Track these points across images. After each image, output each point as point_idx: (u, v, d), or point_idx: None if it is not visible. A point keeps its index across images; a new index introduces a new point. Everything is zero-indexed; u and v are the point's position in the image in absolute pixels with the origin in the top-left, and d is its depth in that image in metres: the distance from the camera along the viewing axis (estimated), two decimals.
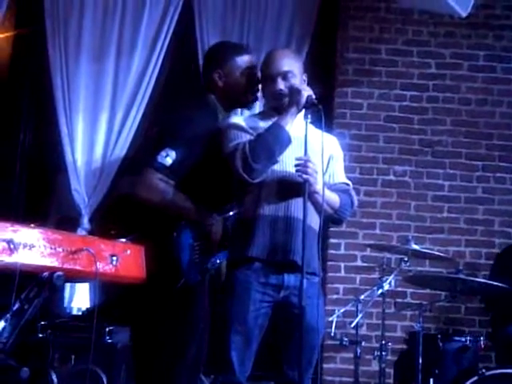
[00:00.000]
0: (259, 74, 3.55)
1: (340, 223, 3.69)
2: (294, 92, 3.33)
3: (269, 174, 3.32)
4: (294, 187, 3.31)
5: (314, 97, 3.30)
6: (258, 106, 3.92)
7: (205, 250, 3.51)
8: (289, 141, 3.28)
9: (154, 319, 3.62)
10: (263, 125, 3.38)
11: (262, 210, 3.29)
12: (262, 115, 3.53)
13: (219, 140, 3.40)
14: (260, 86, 3.54)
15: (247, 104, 3.69)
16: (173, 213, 3.53)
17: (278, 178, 3.34)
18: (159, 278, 3.47)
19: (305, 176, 3.21)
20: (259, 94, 3.60)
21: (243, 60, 3.62)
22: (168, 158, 3.51)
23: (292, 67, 3.44)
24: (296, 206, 3.31)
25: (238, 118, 3.48)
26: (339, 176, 3.57)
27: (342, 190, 3.49)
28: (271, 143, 3.26)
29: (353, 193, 3.55)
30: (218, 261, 3.55)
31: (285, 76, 3.41)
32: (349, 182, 3.59)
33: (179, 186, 3.53)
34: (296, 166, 3.25)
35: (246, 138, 3.33)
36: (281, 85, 3.40)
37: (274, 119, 3.36)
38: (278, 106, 3.41)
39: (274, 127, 3.29)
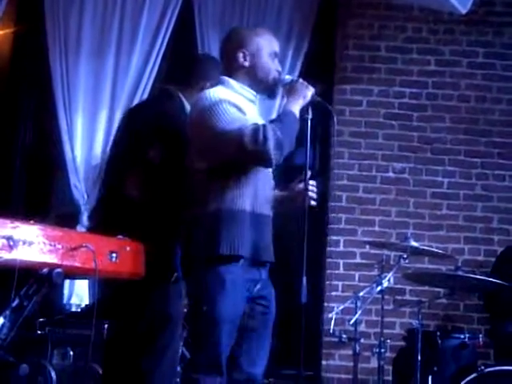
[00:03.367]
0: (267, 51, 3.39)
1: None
2: (304, 86, 3.30)
3: (253, 169, 3.24)
4: (269, 184, 3.35)
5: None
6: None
7: None
8: None
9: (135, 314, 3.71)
10: (247, 106, 3.28)
11: (246, 205, 3.20)
12: (240, 93, 3.33)
13: (205, 116, 3.17)
14: (248, 58, 3.34)
15: (270, 87, 3.43)
16: None
17: (259, 173, 3.27)
18: (152, 273, 3.53)
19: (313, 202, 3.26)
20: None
21: (268, 40, 3.43)
22: (156, 156, 3.62)
23: None
24: (267, 202, 3.32)
25: (225, 93, 3.26)
26: None
27: None
28: (294, 131, 3.20)
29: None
30: None
31: (276, 57, 3.42)
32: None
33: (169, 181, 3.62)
34: (310, 191, 3.27)
35: (242, 115, 3.18)
36: (278, 65, 3.40)
37: (254, 100, 3.33)
38: (267, 85, 3.36)
39: (295, 117, 3.22)
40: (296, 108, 3.23)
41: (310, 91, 3.28)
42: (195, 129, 3.24)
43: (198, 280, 3.18)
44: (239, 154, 3.10)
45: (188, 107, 3.65)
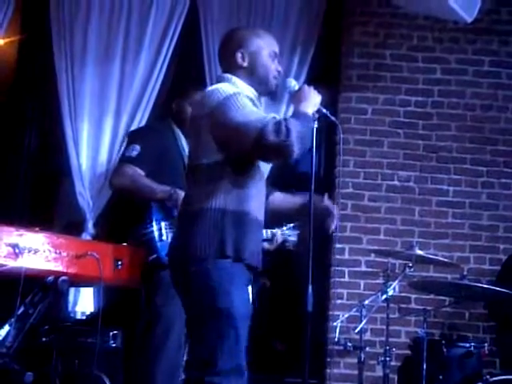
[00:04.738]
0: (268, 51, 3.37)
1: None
2: (312, 92, 3.26)
3: (258, 171, 3.21)
4: (264, 191, 3.30)
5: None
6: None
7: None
8: None
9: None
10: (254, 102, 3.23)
11: (250, 208, 3.14)
12: (243, 91, 3.26)
13: (222, 109, 3.08)
14: (246, 58, 3.31)
15: (271, 88, 3.41)
16: (142, 195, 4.14)
17: (261, 177, 3.24)
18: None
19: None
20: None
21: (266, 41, 3.42)
22: (134, 151, 4.22)
23: None
24: (263, 208, 3.27)
25: (234, 88, 3.21)
26: None
27: None
28: (309, 130, 3.15)
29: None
30: None
31: (276, 57, 3.40)
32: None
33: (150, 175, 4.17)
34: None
35: (255, 108, 3.14)
36: (278, 65, 3.37)
37: (254, 100, 3.25)
38: (267, 85, 3.33)
39: (309, 117, 3.16)
40: (308, 111, 3.19)
41: (318, 98, 3.25)
42: (211, 122, 3.11)
43: (207, 276, 3.03)
44: (259, 145, 2.99)
45: None
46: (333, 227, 3.31)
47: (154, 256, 3.97)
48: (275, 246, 4.01)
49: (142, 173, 4.18)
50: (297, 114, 3.14)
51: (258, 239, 3.24)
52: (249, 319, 3.10)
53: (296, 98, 3.26)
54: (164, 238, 4.01)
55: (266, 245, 3.92)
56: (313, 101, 3.22)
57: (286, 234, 4.06)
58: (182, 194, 3.66)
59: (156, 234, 4.02)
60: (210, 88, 3.24)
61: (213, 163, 3.12)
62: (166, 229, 4.04)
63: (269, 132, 2.95)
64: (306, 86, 3.30)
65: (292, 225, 4.09)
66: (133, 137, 4.52)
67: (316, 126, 3.26)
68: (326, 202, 3.41)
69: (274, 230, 4.04)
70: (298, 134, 2.97)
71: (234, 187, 3.11)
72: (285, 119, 3.02)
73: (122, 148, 4.80)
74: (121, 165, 4.31)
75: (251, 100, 3.17)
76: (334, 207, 3.42)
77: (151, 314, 3.99)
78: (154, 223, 4.04)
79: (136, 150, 4.22)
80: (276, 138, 2.95)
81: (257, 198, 3.20)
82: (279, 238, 4.02)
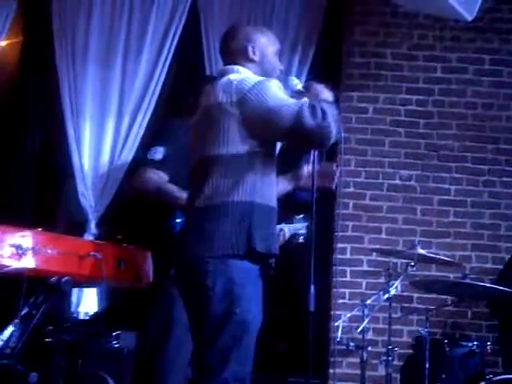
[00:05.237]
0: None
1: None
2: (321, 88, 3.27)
3: (269, 157, 3.13)
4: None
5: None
6: None
7: None
8: None
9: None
10: None
11: (271, 199, 3.09)
12: None
13: (253, 95, 3.02)
14: (257, 53, 3.30)
15: None
16: (166, 202, 3.91)
17: (272, 165, 3.16)
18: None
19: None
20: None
21: (270, 39, 3.43)
22: (158, 153, 3.99)
23: None
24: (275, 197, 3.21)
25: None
26: None
27: None
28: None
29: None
30: None
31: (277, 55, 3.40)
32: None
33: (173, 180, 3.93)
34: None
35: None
36: (279, 63, 3.38)
37: None
38: None
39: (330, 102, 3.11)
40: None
41: (329, 92, 3.23)
42: (242, 109, 3.02)
43: (224, 276, 2.93)
44: (297, 128, 2.92)
45: None
46: (333, 184, 3.27)
47: None
48: (282, 241, 3.95)
49: (166, 177, 3.97)
50: (319, 100, 3.08)
51: (276, 233, 3.24)
52: (258, 331, 3.01)
53: (312, 91, 3.23)
54: None
55: None
56: (325, 94, 3.21)
57: (294, 228, 3.97)
58: None
59: None
60: (230, 77, 3.14)
61: (235, 154, 3.02)
62: None
63: (305, 115, 2.90)
64: (315, 83, 3.29)
65: (300, 217, 4.01)
66: (156, 138, 4.30)
67: None
68: (324, 164, 3.38)
69: (281, 226, 3.95)
70: (333, 117, 2.92)
71: (259, 178, 3.03)
72: (318, 101, 2.98)
73: (144, 150, 4.43)
74: (144, 169, 4.05)
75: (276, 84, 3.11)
76: (332, 165, 3.38)
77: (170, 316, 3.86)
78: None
79: (160, 152, 4.02)
80: (313, 121, 2.89)
81: (275, 189, 3.17)
82: (287, 234, 3.95)
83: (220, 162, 3.04)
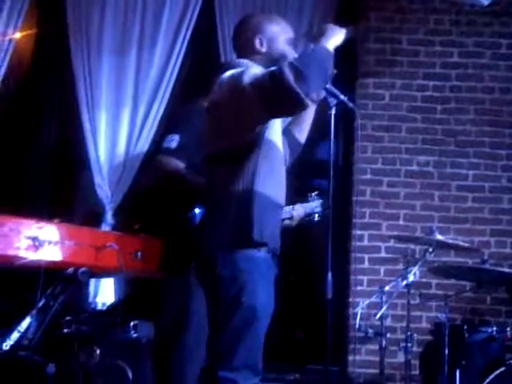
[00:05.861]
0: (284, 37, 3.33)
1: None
2: (333, 28, 3.19)
3: (269, 146, 3.10)
4: (283, 171, 3.22)
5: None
6: None
7: None
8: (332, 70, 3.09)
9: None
10: None
11: (271, 190, 3.07)
12: None
13: (232, 83, 3.05)
14: (264, 44, 3.28)
15: None
16: (187, 189, 3.83)
17: (274, 154, 3.14)
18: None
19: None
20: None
21: (282, 27, 3.40)
22: (173, 142, 3.93)
23: None
24: (283, 190, 3.20)
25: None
26: None
27: None
28: (324, 56, 3.01)
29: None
30: None
31: (291, 43, 3.35)
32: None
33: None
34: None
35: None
36: (293, 51, 3.32)
37: None
38: None
39: (326, 50, 3.05)
40: (329, 45, 3.08)
41: (341, 32, 3.16)
42: (231, 102, 3.06)
43: (231, 265, 2.96)
44: (262, 99, 2.91)
45: None
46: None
47: None
48: (297, 220, 3.87)
49: (182, 165, 3.92)
50: (310, 49, 3.05)
51: (279, 223, 3.20)
52: (270, 318, 3.02)
53: (318, 32, 3.16)
54: None
55: (286, 222, 3.82)
56: (335, 34, 3.13)
57: (309, 206, 3.90)
58: None
59: None
60: (226, 74, 3.15)
61: (236, 147, 3.05)
62: None
63: (265, 80, 2.89)
64: (330, 25, 3.21)
65: (314, 194, 3.93)
66: (170, 125, 4.23)
67: (334, 112, 3.26)
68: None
69: (292, 206, 3.88)
70: (296, 72, 2.83)
71: (260, 167, 3.04)
72: (297, 58, 2.95)
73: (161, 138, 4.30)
74: (160, 157, 4.01)
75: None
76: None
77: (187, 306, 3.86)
78: None
79: (175, 140, 3.96)
80: (271, 83, 2.86)
81: (279, 181, 3.16)
82: (300, 212, 3.87)
83: (222, 157, 3.09)
